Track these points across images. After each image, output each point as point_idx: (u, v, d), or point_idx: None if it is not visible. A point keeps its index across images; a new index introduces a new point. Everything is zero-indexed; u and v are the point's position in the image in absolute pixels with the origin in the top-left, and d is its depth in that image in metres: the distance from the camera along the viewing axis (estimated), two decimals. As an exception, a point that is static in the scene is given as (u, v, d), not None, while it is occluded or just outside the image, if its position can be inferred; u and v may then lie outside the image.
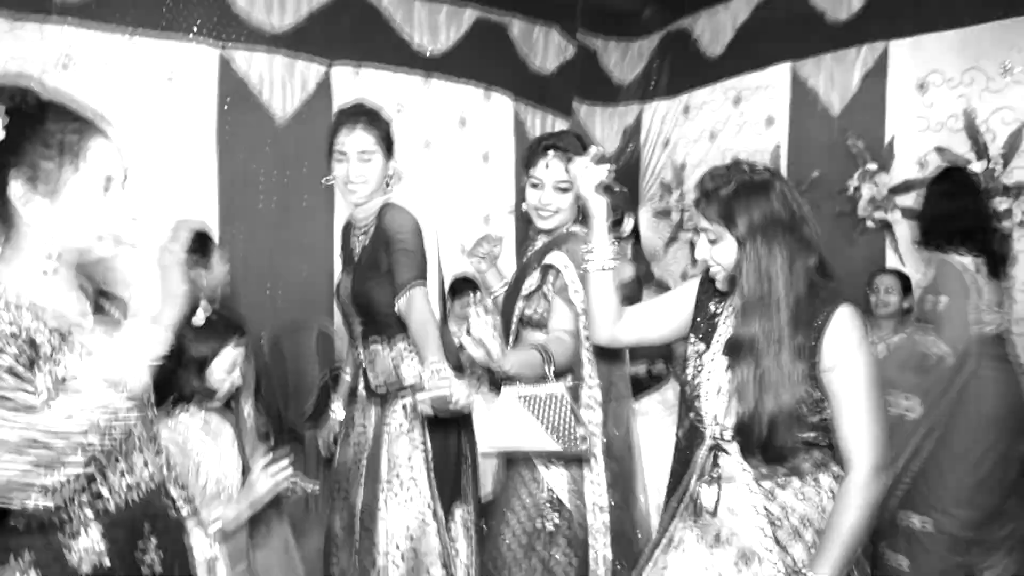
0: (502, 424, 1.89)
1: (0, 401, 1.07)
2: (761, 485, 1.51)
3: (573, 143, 2.06)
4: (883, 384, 1.52)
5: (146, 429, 1.36)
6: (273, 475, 1.80)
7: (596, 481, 1.95)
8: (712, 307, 1.66)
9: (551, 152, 2.02)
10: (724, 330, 1.59)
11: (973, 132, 3.60)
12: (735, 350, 1.51)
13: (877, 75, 4.03)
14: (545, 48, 5.19)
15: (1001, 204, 3.47)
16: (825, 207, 4.08)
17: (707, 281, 1.68)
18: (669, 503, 1.69)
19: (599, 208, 1.82)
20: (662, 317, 1.79)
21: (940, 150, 3.75)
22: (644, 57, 5.54)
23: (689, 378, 1.62)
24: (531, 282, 2.06)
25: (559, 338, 1.96)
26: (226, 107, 4.04)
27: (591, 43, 5.43)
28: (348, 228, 2.30)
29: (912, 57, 3.88)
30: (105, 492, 1.23)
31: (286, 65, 4.19)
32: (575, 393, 1.97)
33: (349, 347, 2.43)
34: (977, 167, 3.54)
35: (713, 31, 5.01)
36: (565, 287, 1.97)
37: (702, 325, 1.65)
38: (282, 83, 4.18)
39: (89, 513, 1.22)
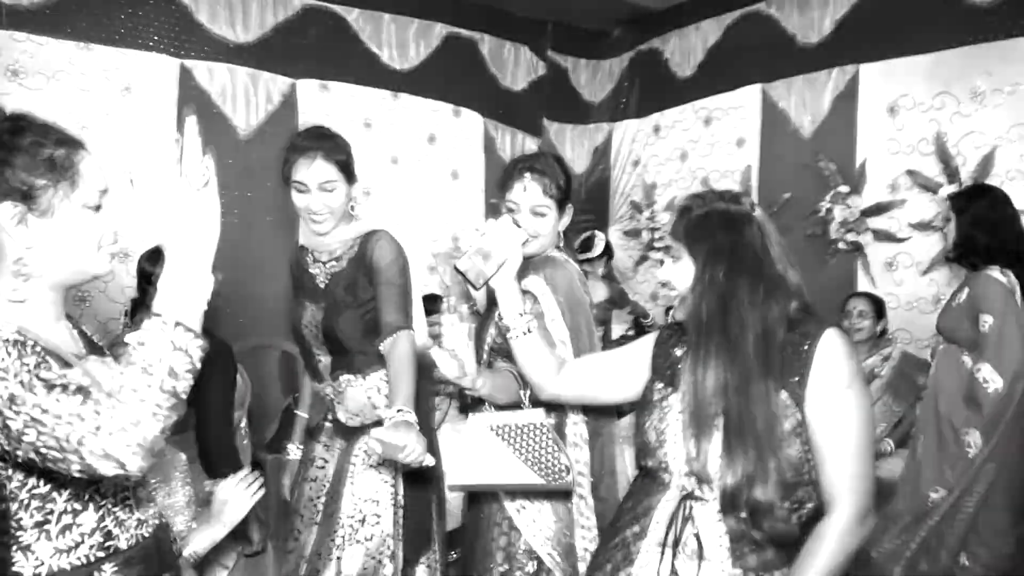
0: (474, 457, 1.76)
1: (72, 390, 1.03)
2: (734, 548, 1.35)
3: (551, 166, 1.93)
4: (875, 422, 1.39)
5: None
6: (248, 490, 1.68)
7: (586, 526, 1.82)
8: (677, 352, 1.53)
9: (528, 175, 1.89)
10: None
11: (944, 155, 3.62)
12: (683, 383, 1.40)
13: (848, 98, 4.04)
14: (515, 66, 5.14)
15: (972, 227, 3.49)
16: (796, 229, 4.08)
17: (667, 329, 1.60)
18: (598, 558, 1.53)
19: (503, 283, 1.66)
20: (610, 373, 1.63)
21: (911, 173, 3.77)
22: (614, 77, 5.52)
23: (653, 423, 1.47)
24: None
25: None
26: (186, 119, 3.90)
27: (561, 62, 5.40)
28: (303, 252, 2.14)
29: (883, 81, 3.90)
30: (116, 530, 1.19)
31: (250, 78, 4.08)
32: (559, 428, 1.83)
33: (306, 380, 2.26)
34: (949, 191, 3.56)
35: (684, 52, 5.01)
36: (542, 315, 1.84)
37: (665, 369, 1.52)
38: (245, 96, 4.06)
39: (101, 554, 1.16)
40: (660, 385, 1.50)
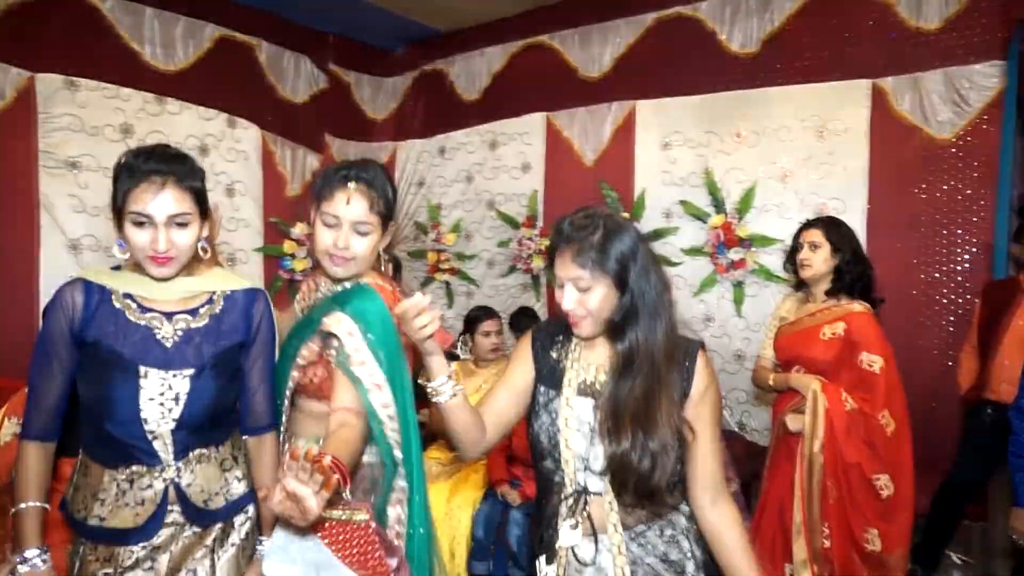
0: (292, 551, 1.50)
1: None
2: (628, 525, 1.50)
3: (380, 178, 1.69)
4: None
5: None
6: None
7: None
8: (554, 355, 1.60)
9: (352, 185, 1.65)
10: (573, 374, 1.55)
11: (712, 188, 3.96)
12: (625, 390, 1.48)
13: (626, 131, 4.32)
14: (295, 77, 4.85)
15: (736, 254, 3.85)
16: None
17: (537, 334, 1.64)
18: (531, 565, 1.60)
19: (434, 352, 1.49)
20: (516, 397, 1.61)
21: (683, 203, 4.08)
22: (398, 95, 5.42)
23: (544, 427, 1.55)
24: (309, 350, 1.70)
25: (346, 424, 1.57)
26: None
27: (344, 76, 5.19)
28: (110, 296, 1.60)
29: (657, 117, 4.21)
30: None
31: (-26, 68, 3.42)
32: (387, 482, 1.64)
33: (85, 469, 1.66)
34: (716, 220, 3.91)
35: (469, 75, 5.05)
36: (348, 358, 1.61)
37: (547, 374, 1.59)
38: (-30, 89, 3.39)
39: None
40: (544, 388, 1.58)
